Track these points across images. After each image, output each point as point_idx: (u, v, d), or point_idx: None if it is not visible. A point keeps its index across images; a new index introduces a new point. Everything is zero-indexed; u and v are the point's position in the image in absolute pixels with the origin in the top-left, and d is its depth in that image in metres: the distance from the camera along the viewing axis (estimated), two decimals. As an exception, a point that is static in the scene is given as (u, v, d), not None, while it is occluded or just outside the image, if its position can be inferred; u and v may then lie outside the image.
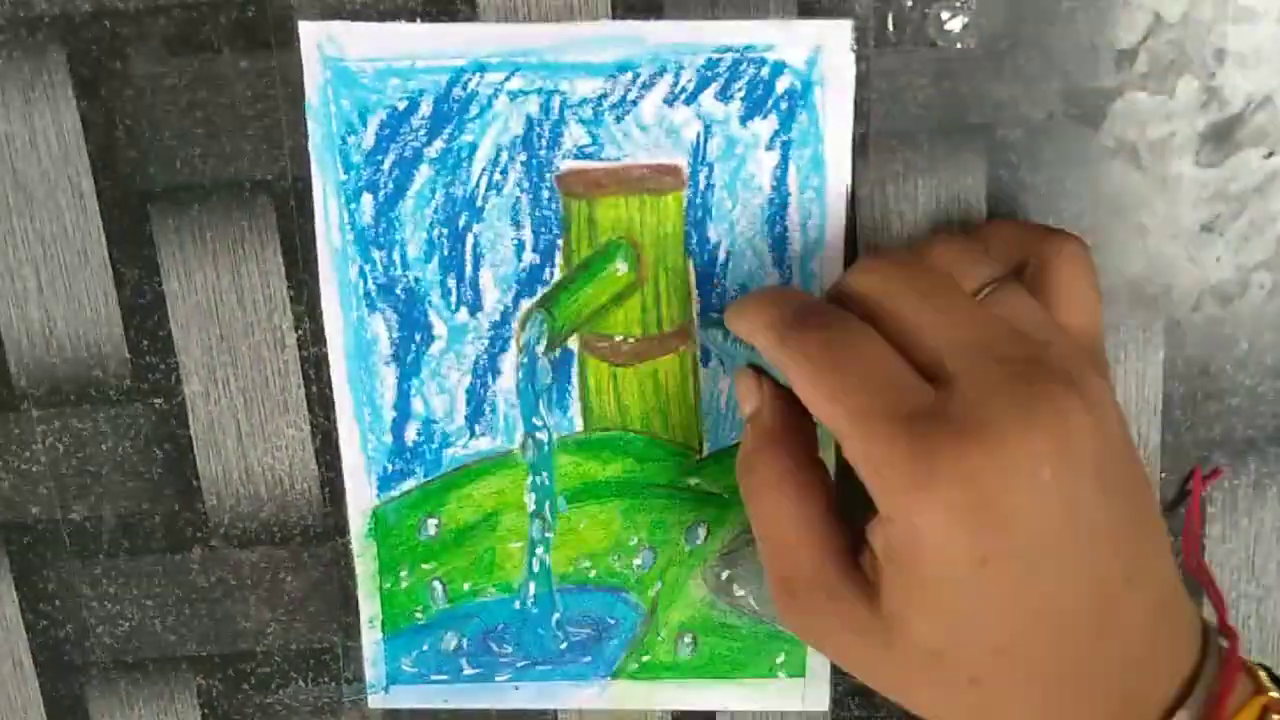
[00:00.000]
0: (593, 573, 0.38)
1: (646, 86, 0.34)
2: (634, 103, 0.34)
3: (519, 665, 0.39)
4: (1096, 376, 0.27)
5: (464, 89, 0.34)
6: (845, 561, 0.29)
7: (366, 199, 0.35)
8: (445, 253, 0.35)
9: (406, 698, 0.39)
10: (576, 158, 0.35)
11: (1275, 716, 0.28)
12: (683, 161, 0.35)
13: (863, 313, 0.29)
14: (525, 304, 0.36)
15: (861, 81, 0.34)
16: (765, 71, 0.34)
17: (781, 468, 0.30)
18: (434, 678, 0.39)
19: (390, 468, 0.37)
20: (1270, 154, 0.35)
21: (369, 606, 0.38)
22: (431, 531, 0.38)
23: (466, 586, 0.38)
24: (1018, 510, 0.26)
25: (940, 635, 0.27)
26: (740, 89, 0.34)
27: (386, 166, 0.35)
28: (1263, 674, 0.29)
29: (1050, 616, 0.27)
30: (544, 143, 0.35)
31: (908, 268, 0.29)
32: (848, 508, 0.30)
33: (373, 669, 0.39)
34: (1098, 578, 0.27)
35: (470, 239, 0.35)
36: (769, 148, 0.34)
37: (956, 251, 0.30)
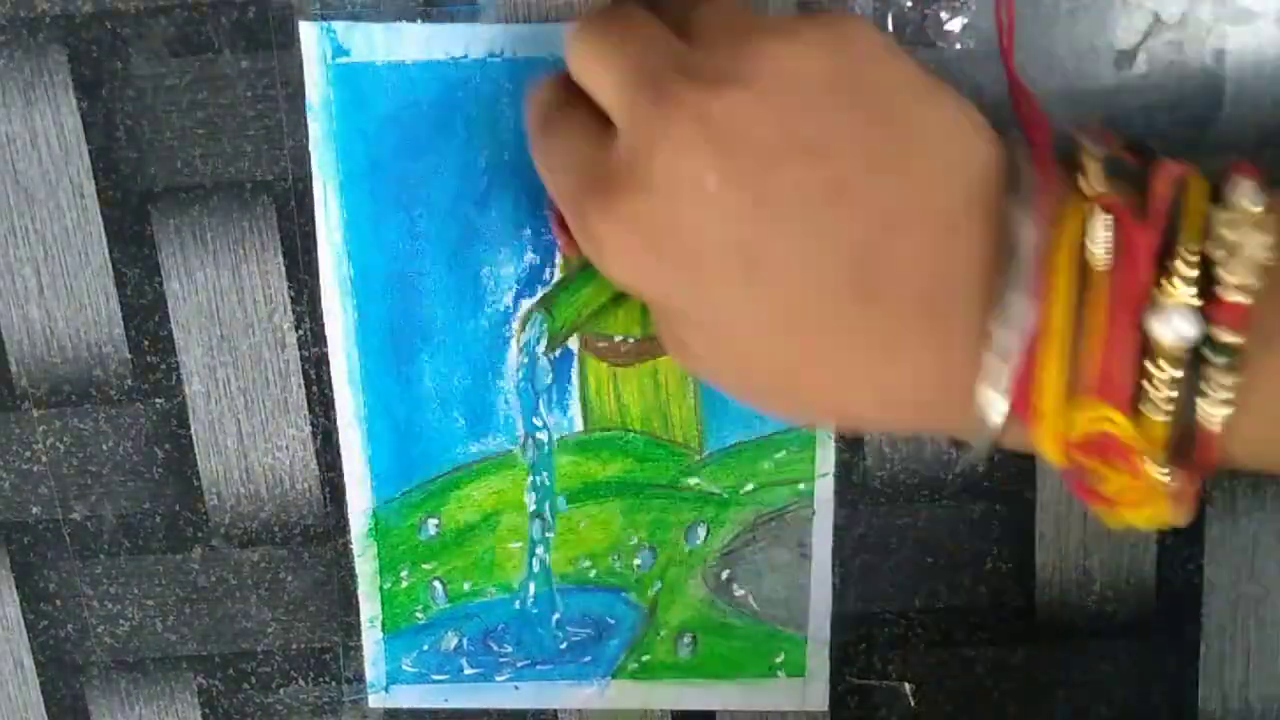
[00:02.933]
0: (593, 573, 0.38)
1: (646, 87, 0.34)
2: (634, 103, 0.34)
3: (519, 665, 0.39)
4: (765, 59, 0.26)
5: (464, 89, 0.34)
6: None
7: (367, 199, 0.35)
8: (445, 253, 0.35)
9: (407, 697, 0.39)
10: (577, 158, 0.35)
11: (1104, 218, 0.25)
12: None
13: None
14: (525, 304, 0.36)
15: (861, 82, 0.34)
16: (765, 72, 0.34)
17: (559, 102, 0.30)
18: (434, 677, 0.39)
19: (390, 468, 0.37)
20: (1270, 154, 0.35)
21: (369, 606, 0.38)
22: (432, 531, 0.38)
23: (467, 586, 0.38)
24: (689, 227, 0.26)
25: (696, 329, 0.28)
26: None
27: (387, 166, 0.35)
28: (1090, 163, 0.27)
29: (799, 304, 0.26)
30: (544, 143, 0.35)
31: (595, 18, 0.29)
32: None
33: (373, 668, 0.39)
34: (843, 258, 0.26)
35: (470, 239, 0.35)
36: (769, 148, 0.34)
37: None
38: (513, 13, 0.34)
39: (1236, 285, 0.24)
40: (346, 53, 0.34)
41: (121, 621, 0.39)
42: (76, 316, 0.36)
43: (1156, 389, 0.24)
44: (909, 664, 0.38)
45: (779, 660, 0.38)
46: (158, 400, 0.37)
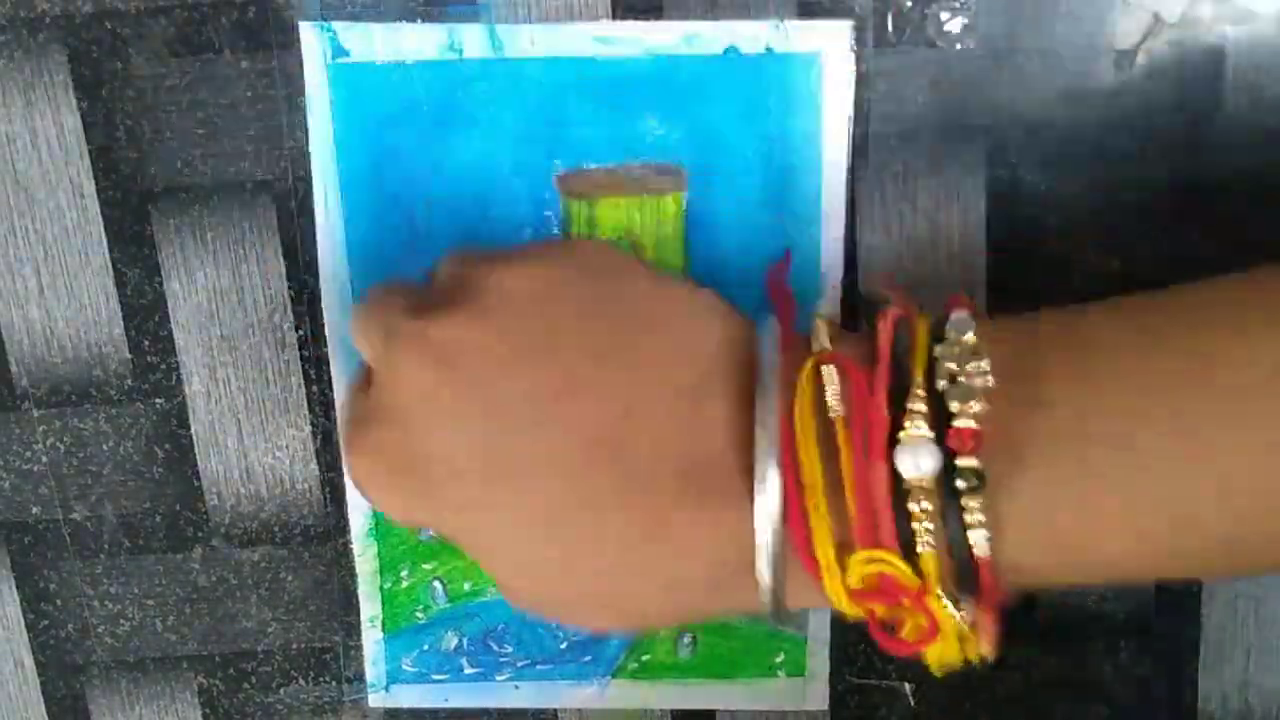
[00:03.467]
0: (593, 572, 0.38)
1: (646, 86, 0.34)
2: (634, 103, 0.34)
3: (519, 665, 0.39)
4: (489, 286, 0.28)
5: (464, 89, 0.34)
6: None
7: (367, 199, 0.35)
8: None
9: (407, 697, 0.39)
10: (576, 158, 0.35)
11: (829, 369, 0.26)
12: (683, 162, 0.35)
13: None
14: (525, 304, 0.36)
15: (861, 82, 0.34)
16: (765, 72, 0.34)
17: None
18: (434, 677, 0.39)
19: (391, 467, 0.37)
20: (1270, 154, 0.35)
21: (370, 606, 0.38)
22: (431, 531, 0.38)
23: (467, 586, 0.38)
24: (439, 448, 0.27)
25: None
26: (740, 89, 0.34)
27: (386, 166, 0.35)
28: (819, 324, 0.28)
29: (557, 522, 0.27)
30: (544, 143, 0.35)
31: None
32: None
33: (373, 668, 0.39)
34: (580, 465, 0.26)
35: (470, 239, 0.35)
36: (768, 148, 0.34)
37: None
38: (513, 13, 0.34)
39: (962, 412, 0.25)
40: (346, 53, 0.34)
41: (122, 621, 0.39)
42: (77, 316, 0.36)
43: (919, 522, 0.25)
44: (909, 664, 0.38)
45: (779, 660, 0.38)
46: (158, 400, 0.37)
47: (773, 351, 0.27)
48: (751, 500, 0.25)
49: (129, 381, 0.37)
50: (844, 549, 0.26)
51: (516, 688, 0.39)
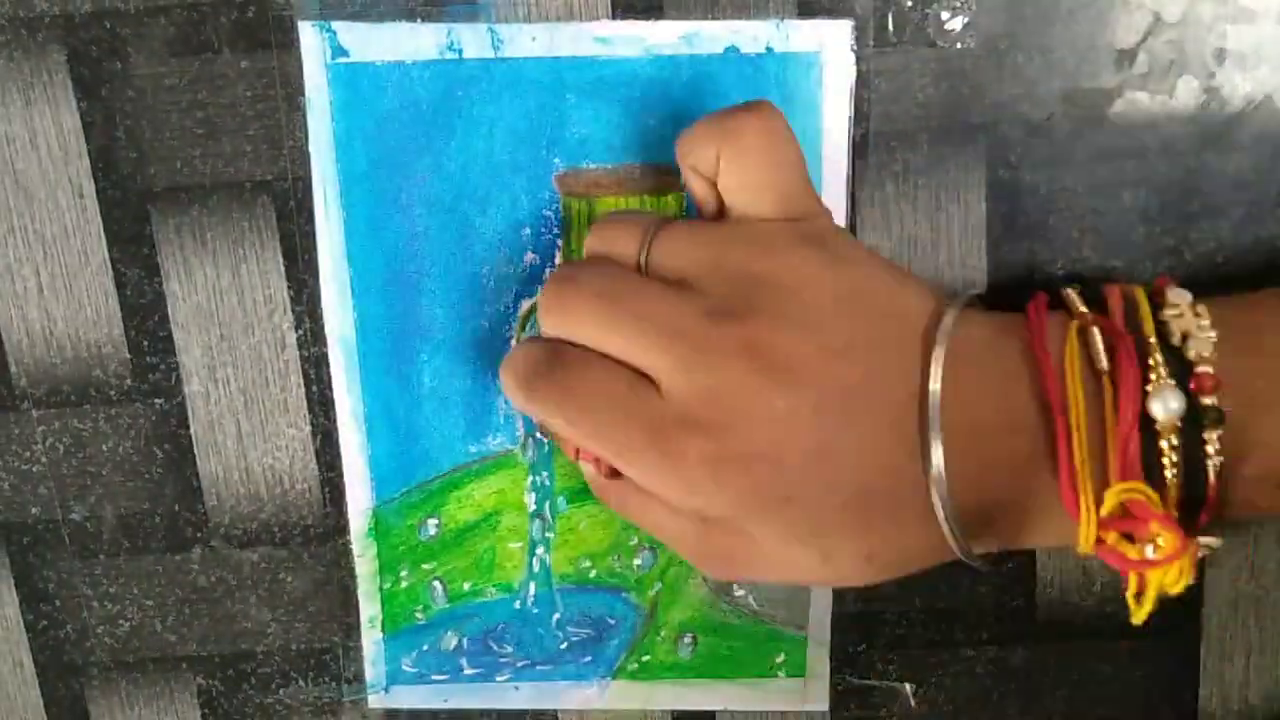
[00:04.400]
0: (593, 573, 0.38)
1: (646, 86, 0.34)
2: (634, 103, 0.34)
3: (519, 665, 0.39)
4: (768, 261, 0.30)
5: (464, 89, 0.34)
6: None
7: (366, 199, 0.35)
8: (445, 252, 0.35)
9: (406, 698, 0.39)
10: (576, 158, 0.35)
11: (1095, 330, 0.30)
12: (683, 161, 0.35)
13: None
14: (525, 304, 0.36)
15: (861, 81, 0.34)
16: (765, 71, 0.34)
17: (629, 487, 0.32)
18: (434, 677, 0.39)
19: (390, 468, 0.37)
20: (1270, 154, 0.35)
21: (369, 606, 0.38)
22: (432, 531, 0.38)
23: (466, 586, 0.38)
24: (769, 447, 0.29)
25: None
26: (740, 89, 0.34)
27: (386, 166, 0.35)
28: (1071, 294, 0.31)
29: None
30: (544, 143, 0.35)
31: (570, 291, 0.31)
32: None
33: (373, 669, 0.39)
34: (879, 466, 0.29)
35: (470, 239, 0.35)
36: (769, 148, 0.34)
37: (605, 234, 0.32)
38: (513, 13, 0.34)
39: (1199, 360, 0.29)
40: (346, 53, 0.34)
41: (121, 622, 0.39)
42: (76, 317, 0.36)
43: (1166, 457, 0.29)
44: (909, 664, 0.38)
45: (779, 660, 0.38)
46: (157, 400, 0.37)
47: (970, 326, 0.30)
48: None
49: (128, 382, 0.37)
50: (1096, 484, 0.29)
51: (516, 688, 0.39)
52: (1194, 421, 0.29)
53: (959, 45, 0.34)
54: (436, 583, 0.38)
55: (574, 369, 0.30)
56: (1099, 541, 0.29)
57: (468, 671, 0.39)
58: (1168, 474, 0.29)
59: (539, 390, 0.31)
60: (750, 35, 0.34)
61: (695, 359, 0.29)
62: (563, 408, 0.30)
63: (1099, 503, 0.29)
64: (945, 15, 0.34)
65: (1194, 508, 0.29)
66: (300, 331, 0.36)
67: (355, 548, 0.38)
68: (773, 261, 0.30)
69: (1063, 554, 0.37)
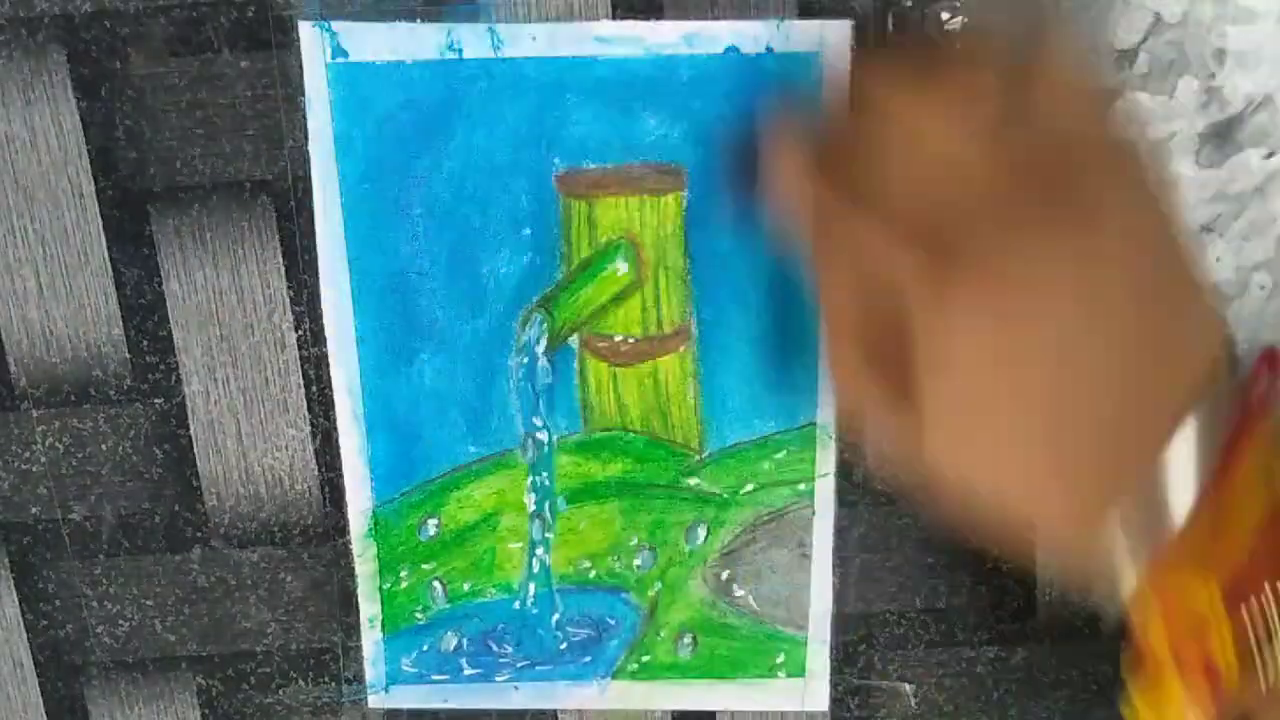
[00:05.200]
0: (593, 573, 0.38)
1: (646, 86, 0.34)
2: (634, 103, 0.34)
3: (519, 665, 0.39)
4: (1124, 169, 0.28)
5: (464, 89, 0.34)
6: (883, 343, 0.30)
7: (366, 199, 0.35)
8: (445, 253, 0.35)
9: (406, 698, 0.39)
10: (576, 158, 0.35)
11: None
12: (683, 162, 0.35)
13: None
14: (525, 304, 0.36)
15: (861, 82, 0.34)
16: (765, 71, 0.34)
17: (850, 252, 0.30)
18: (434, 678, 0.39)
19: (390, 468, 0.37)
20: (1270, 154, 0.35)
21: (369, 606, 0.38)
22: (431, 532, 0.38)
23: (466, 586, 0.38)
24: (1038, 323, 0.27)
25: (963, 425, 0.28)
26: (740, 89, 0.34)
27: (386, 166, 0.35)
28: None
29: (1072, 407, 0.27)
30: (544, 143, 0.35)
31: (932, 87, 0.29)
32: None
33: (373, 669, 0.39)
34: (1123, 384, 0.28)
35: (470, 239, 0.35)
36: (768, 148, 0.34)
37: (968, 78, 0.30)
38: (513, 13, 0.34)
39: None
40: (345, 53, 0.34)
41: (121, 622, 0.39)
42: (76, 317, 0.36)
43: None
44: (909, 664, 0.38)
45: (779, 660, 0.38)
46: (157, 400, 0.37)
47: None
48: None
49: (128, 382, 0.37)
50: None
51: (516, 688, 0.39)
52: None
53: (959, 45, 0.34)
54: (436, 583, 0.38)
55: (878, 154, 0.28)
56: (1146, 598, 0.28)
57: (467, 672, 0.39)
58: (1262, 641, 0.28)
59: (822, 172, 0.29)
60: (750, 35, 0.34)
61: (1018, 194, 0.27)
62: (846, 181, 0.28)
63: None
64: (945, 15, 0.34)
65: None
66: (300, 331, 0.36)
67: (355, 548, 0.38)
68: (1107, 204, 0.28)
69: (1062, 554, 0.37)
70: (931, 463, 0.29)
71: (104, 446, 0.37)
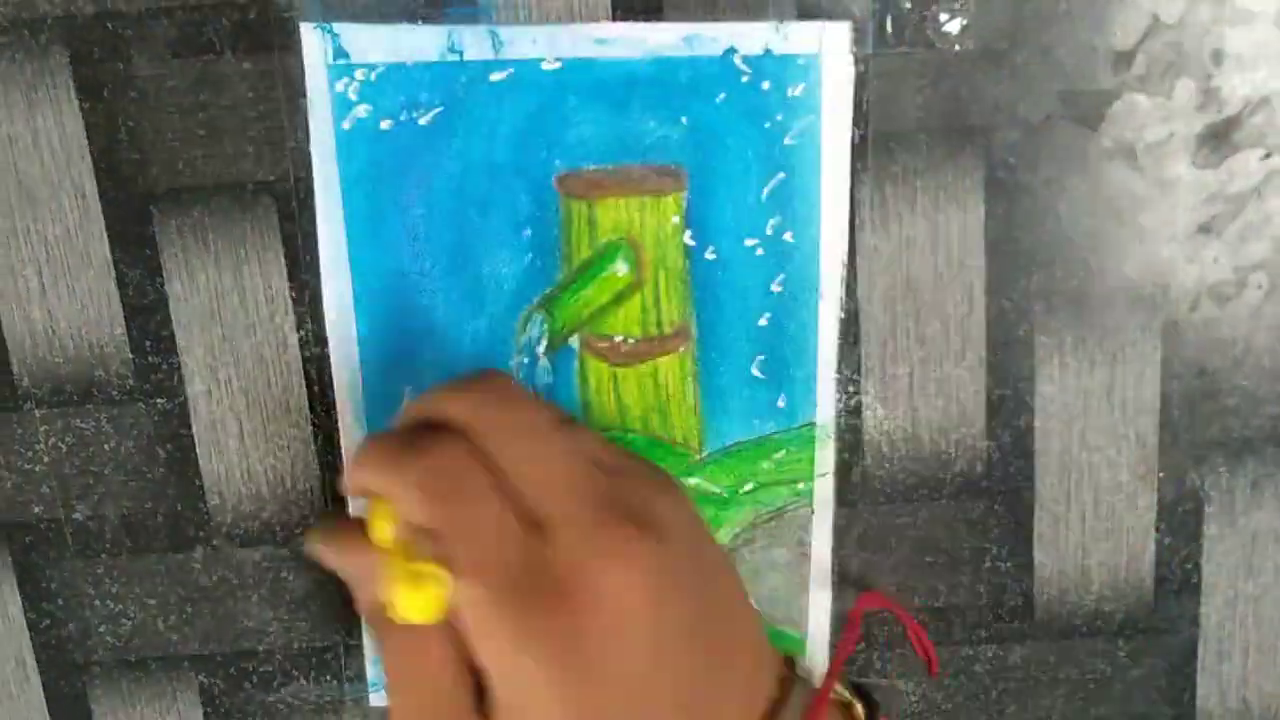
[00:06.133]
0: (593, 572, 0.38)
1: (646, 87, 0.34)
2: (634, 103, 0.34)
3: (520, 664, 0.39)
4: (665, 496, 0.30)
5: (464, 90, 0.34)
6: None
7: (367, 200, 0.35)
8: (446, 253, 0.36)
9: (408, 696, 0.39)
10: (577, 159, 0.35)
11: None
12: (683, 162, 0.35)
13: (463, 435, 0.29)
14: (525, 305, 0.36)
15: (861, 83, 0.34)
16: (764, 73, 0.34)
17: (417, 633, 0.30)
18: (435, 676, 0.39)
19: (391, 467, 0.37)
20: (1267, 155, 0.35)
21: (370, 605, 0.38)
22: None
23: (467, 586, 0.38)
24: (614, 664, 0.27)
25: None
26: (739, 90, 0.34)
27: (387, 167, 0.35)
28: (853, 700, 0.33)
29: None
30: (544, 144, 0.35)
31: (499, 397, 0.30)
32: None
33: (374, 667, 0.39)
34: (692, 701, 0.29)
35: (470, 239, 0.35)
36: (768, 149, 0.35)
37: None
38: (513, 14, 0.34)
39: None
40: (347, 55, 0.34)
41: (123, 621, 0.39)
42: (78, 317, 0.36)
43: None
44: (908, 663, 0.39)
45: (779, 659, 0.38)
46: (159, 400, 0.37)
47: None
48: None
49: (130, 381, 0.37)
50: None
51: (517, 687, 0.39)
52: None
53: (957, 47, 0.34)
54: (437, 582, 0.38)
55: (459, 494, 0.28)
56: None
57: (468, 670, 0.39)
58: None
59: (409, 466, 0.28)
60: (750, 37, 0.34)
61: (584, 516, 0.28)
62: (427, 492, 0.28)
63: None
64: (944, 17, 0.34)
65: None
66: (302, 332, 0.36)
67: (356, 547, 0.38)
68: (662, 499, 0.30)
69: (1062, 553, 0.38)
70: None
71: (106, 446, 0.37)
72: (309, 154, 0.35)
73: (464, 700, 0.28)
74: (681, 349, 0.36)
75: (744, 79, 0.34)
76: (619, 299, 0.36)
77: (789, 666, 0.32)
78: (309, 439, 0.37)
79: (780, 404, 0.37)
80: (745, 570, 0.38)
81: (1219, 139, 0.35)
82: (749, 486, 0.37)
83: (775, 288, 0.36)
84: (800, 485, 0.37)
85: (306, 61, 0.34)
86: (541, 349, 0.36)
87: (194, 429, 0.37)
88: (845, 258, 0.35)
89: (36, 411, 0.37)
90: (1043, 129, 0.34)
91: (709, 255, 0.35)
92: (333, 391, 0.37)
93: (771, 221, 0.35)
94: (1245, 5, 0.33)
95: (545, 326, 0.36)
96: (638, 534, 0.28)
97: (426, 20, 0.34)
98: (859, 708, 0.33)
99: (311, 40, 0.34)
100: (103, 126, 0.35)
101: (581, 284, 0.36)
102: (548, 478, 0.28)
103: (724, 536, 0.38)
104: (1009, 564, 0.38)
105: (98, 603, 0.39)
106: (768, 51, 0.34)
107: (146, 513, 0.38)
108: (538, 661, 0.27)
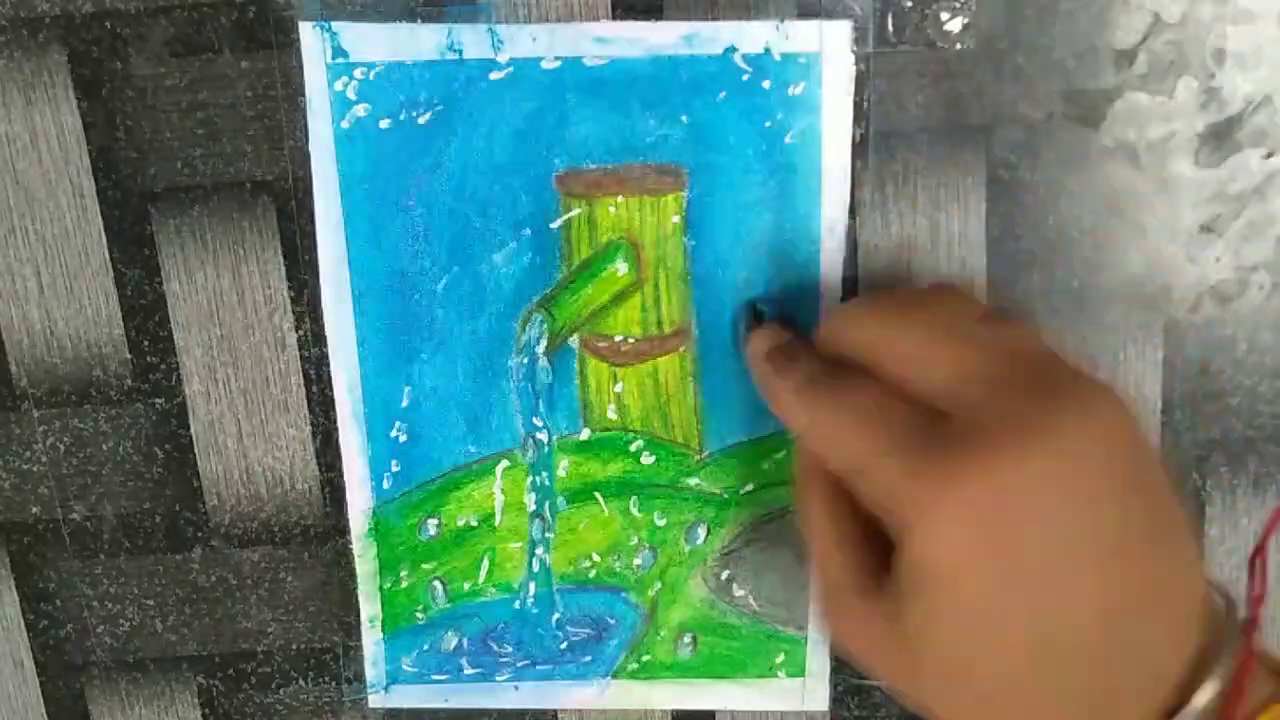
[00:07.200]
0: (593, 573, 0.38)
1: (647, 86, 0.34)
2: (634, 103, 0.34)
3: (519, 665, 0.39)
4: (1104, 390, 0.27)
5: (464, 89, 0.34)
6: (877, 578, 0.29)
7: (367, 199, 0.35)
8: (445, 253, 0.35)
9: (407, 697, 0.39)
10: (577, 158, 0.35)
11: None
12: (683, 162, 0.35)
13: (858, 352, 0.30)
14: (525, 304, 0.36)
15: (861, 82, 0.34)
16: (765, 72, 0.34)
17: (830, 487, 0.31)
18: (434, 677, 0.39)
19: (391, 468, 0.37)
20: (1269, 154, 0.35)
21: (369, 606, 0.38)
22: (432, 531, 0.38)
23: (467, 586, 0.38)
24: (1025, 533, 0.26)
25: (954, 656, 0.27)
26: (740, 89, 0.34)
27: (387, 167, 0.35)
28: None
29: (1060, 640, 0.27)
30: (544, 143, 0.35)
31: (906, 306, 0.30)
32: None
33: (373, 669, 0.39)
34: (1109, 599, 0.27)
35: (470, 239, 0.35)
36: (768, 148, 0.34)
37: (952, 288, 0.31)
38: (513, 13, 0.34)
39: None
40: (346, 54, 0.34)
41: (121, 621, 0.39)
42: (76, 317, 0.36)
43: None
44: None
45: (779, 660, 0.38)
46: (157, 400, 0.37)
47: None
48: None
49: (129, 382, 0.37)
50: None
51: (516, 688, 0.39)
52: None
53: (958, 46, 0.34)
54: (437, 583, 0.38)
55: (853, 385, 0.29)
56: None
57: (468, 671, 0.39)
58: None
59: (811, 395, 0.30)
60: (750, 36, 0.34)
61: (1000, 392, 0.27)
62: (829, 417, 0.29)
63: None
64: (945, 16, 0.34)
65: None
66: (300, 332, 0.36)
67: (355, 548, 0.38)
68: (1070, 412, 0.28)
69: None
70: (926, 704, 0.29)
71: (104, 446, 0.37)
72: (308, 153, 0.35)
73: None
74: (681, 349, 0.36)
75: (744, 78, 0.34)
76: (619, 299, 0.36)
77: (1229, 606, 0.30)
78: (308, 439, 0.37)
79: (781, 404, 0.36)
80: (746, 571, 0.38)
81: (1221, 138, 0.34)
82: (749, 487, 0.37)
83: (776, 287, 0.36)
84: (801, 485, 0.37)
85: (305, 60, 0.34)
86: (541, 349, 0.36)
87: (192, 429, 0.37)
88: (846, 256, 0.35)
89: (34, 411, 0.37)
90: (1044, 128, 0.34)
91: (709, 254, 0.35)
92: (331, 391, 0.37)
93: (772, 220, 0.35)
94: (1247, 4, 0.33)
95: (545, 326, 0.36)
96: (1067, 409, 0.26)
97: (426, 19, 0.34)
98: None
99: (310, 39, 0.34)
100: (101, 126, 0.35)
101: (581, 284, 0.35)
102: (958, 364, 0.28)
103: (725, 537, 0.38)
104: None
105: (96, 603, 0.38)
106: (768, 50, 0.34)
107: (145, 513, 0.38)
108: (943, 523, 0.26)
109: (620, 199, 0.35)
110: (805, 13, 0.34)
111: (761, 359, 0.33)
